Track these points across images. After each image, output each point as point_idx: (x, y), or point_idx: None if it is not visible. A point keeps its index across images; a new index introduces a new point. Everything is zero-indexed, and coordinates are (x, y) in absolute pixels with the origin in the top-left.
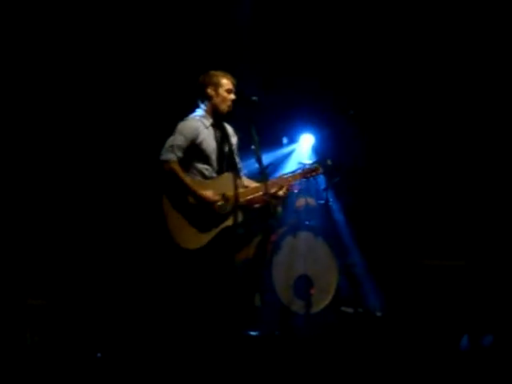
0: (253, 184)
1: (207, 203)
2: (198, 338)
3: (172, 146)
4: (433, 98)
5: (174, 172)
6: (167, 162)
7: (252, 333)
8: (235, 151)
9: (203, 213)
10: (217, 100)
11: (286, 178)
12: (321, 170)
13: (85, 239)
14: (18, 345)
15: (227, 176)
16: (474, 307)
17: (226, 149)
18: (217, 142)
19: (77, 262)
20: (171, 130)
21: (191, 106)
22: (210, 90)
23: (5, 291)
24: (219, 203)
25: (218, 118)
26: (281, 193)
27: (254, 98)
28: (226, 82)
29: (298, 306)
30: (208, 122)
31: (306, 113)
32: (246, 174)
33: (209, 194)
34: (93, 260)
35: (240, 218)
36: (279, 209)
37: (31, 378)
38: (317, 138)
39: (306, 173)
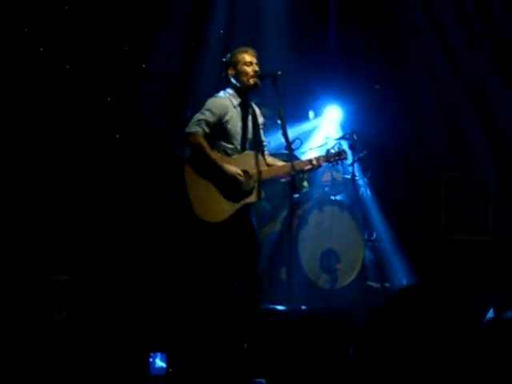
0: (278, 163)
1: (231, 177)
2: (218, 313)
3: (199, 121)
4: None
5: (200, 145)
6: (193, 134)
7: (278, 307)
8: (261, 131)
9: (226, 187)
10: (239, 77)
11: (310, 160)
12: (344, 156)
13: (107, 213)
14: (44, 321)
15: (250, 154)
16: (500, 281)
17: (252, 129)
18: (243, 121)
19: (100, 235)
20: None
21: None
22: (230, 71)
23: (28, 267)
24: (242, 178)
25: (245, 96)
26: (305, 169)
27: (279, 72)
28: (242, 57)
29: (324, 280)
30: (236, 101)
31: (333, 86)
32: (271, 151)
33: (233, 168)
34: (116, 234)
35: (262, 194)
36: (305, 183)
37: (58, 355)
38: (343, 112)
39: (330, 157)
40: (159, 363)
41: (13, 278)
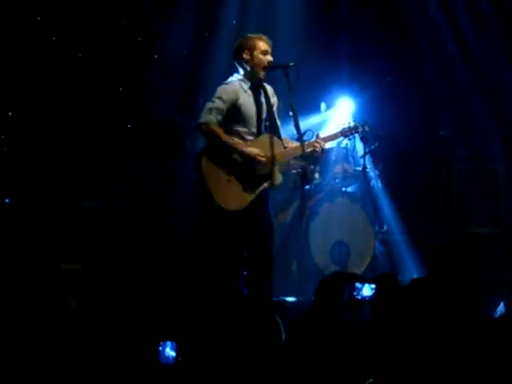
0: (293, 144)
1: (252, 158)
2: (231, 302)
3: (211, 109)
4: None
5: (214, 133)
6: (206, 124)
7: (288, 298)
8: (275, 112)
9: (244, 174)
10: (253, 63)
11: (325, 137)
12: (360, 129)
13: (119, 201)
14: (55, 309)
15: (266, 137)
16: (511, 275)
17: (266, 111)
18: (256, 104)
19: (110, 225)
20: None
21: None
22: (245, 54)
23: (38, 256)
24: (263, 158)
25: (255, 81)
26: (317, 148)
27: (292, 63)
28: (261, 44)
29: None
30: (246, 85)
31: (345, 78)
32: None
33: (252, 149)
34: (126, 223)
35: (280, 179)
36: (316, 175)
37: (68, 343)
38: (355, 103)
39: (346, 131)
40: (169, 352)
41: (23, 266)
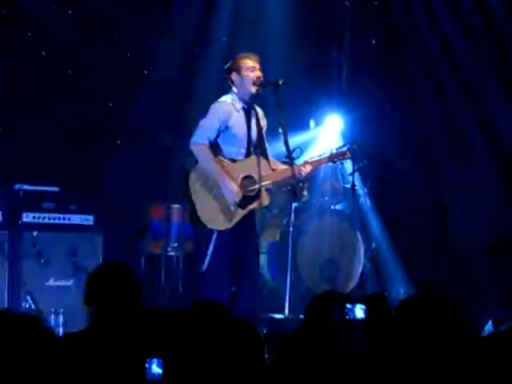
0: (281, 166)
1: (227, 196)
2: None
3: (204, 129)
4: None
5: (205, 156)
6: (198, 145)
7: (276, 316)
8: (265, 134)
9: None
10: (242, 83)
11: (313, 161)
12: (348, 155)
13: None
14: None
15: (255, 158)
16: (500, 292)
17: (256, 132)
18: (247, 125)
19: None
20: None
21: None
22: (234, 76)
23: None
24: (236, 199)
25: (248, 101)
26: (303, 173)
27: (281, 80)
28: (246, 62)
29: (323, 289)
30: (239, 105)
31: (334, 95)
32: (273, 157)
33: (233, 187)
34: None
35: (267, 200)
36: (305, 192)
37: (54, 360)
38: (344, 121)
39: (334, 157)
40: (155, 369)
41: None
